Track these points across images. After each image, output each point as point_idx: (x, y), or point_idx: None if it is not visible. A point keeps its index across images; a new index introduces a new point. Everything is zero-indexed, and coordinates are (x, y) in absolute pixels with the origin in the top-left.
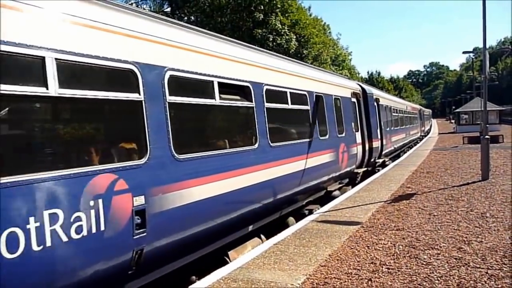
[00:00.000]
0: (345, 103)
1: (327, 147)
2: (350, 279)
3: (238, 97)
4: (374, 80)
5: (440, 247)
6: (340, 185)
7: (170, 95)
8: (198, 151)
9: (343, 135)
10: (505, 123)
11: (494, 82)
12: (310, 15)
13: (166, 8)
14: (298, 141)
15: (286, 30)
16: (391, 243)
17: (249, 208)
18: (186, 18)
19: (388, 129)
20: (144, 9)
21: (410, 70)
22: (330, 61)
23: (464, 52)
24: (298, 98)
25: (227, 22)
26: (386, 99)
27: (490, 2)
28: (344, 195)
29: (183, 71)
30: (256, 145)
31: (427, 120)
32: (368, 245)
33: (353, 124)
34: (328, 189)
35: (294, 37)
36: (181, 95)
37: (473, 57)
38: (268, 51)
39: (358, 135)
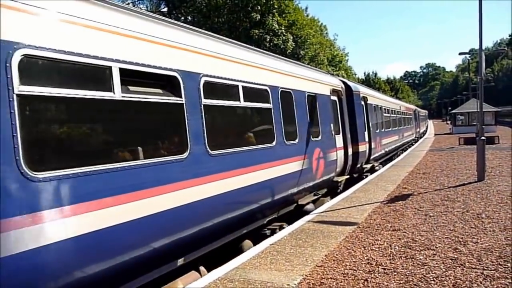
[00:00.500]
0: (322, 101)
1: (296, 153)
2: (346, 279)
3: (158, 91)
4: (370, 81)
5: (436, 247)
6: (316, 197)
7: (22, 84)
8: (80, 165)
9: (319, 138)
10: (501, 124)
11: (490, 83)
12: (307, 15)
13: (163, 8)
14: (254, 147)
15: (283, 30)
16: (387, 243)
17: (176, 237)
18: (183, 18)
19: (378, 131)
20: (141, 8)
21: (406, 71)
22: (326, 61)
23: (460, 53)
24: (256, 94)
25: (224, 22)
26: (376, 98)
27: (487, 3)
28: (341, 195)
29: (50, 49)
30: (186, 154)
31: (422, 121)
32: (365, 245)
33: (332, 125)
34: (299, 203)
35: (291, 37)
36: (46, 85)
37: (469, 58)
38: (211, 33)
39: (339, 139)
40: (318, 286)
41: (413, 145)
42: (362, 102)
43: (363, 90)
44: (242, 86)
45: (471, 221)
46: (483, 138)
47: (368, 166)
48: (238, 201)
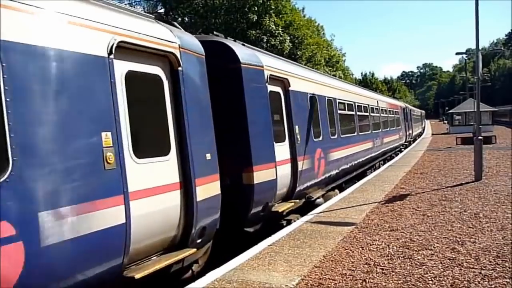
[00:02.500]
0: (51, 71)
1: None
2: (345, 280)
3: None
4: (368, 81)
5: (434, 247)
6: None
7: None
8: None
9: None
10: (498, 124)
11: (487, 83)
12: (304, 16)
13: (160, 9)
14: None
15: (280, 31)
16: (385, 243)
17: None
18: (180, 19)
19: (320, 138)
20: (138, 9)
21: (403, 71)
22: (324, 62)
23: (457, 53)
24: None
25: (221, 23)
26: (317, 83)
27: (483, 3)
28: (338, 196)
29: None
30: None
31: (416, 122)
32: (362, 246)
33: (103, 138)
34: None
35: (288, 38)
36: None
37: (466, 58)
38: None
39: (158, 168)
40: (317, 287)
41: (402, 151)
42: (272, 88)
43: (273, 63)
44: None
45: (469, 220)
46: (480, 137)
47: (289, 205)
48: None
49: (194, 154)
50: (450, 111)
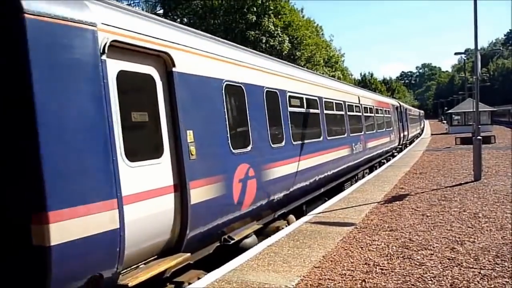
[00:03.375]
0: None
1: None
2: (344, 280)
3: None
4: (367, 81)
5: (433, 247)
6: None
7: None
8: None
9: None
10: (497, 123)
11: (486, 83)
12: (303, 16)
13: (159, 10)
14: None
15: (279, 31)
16: (384, 243)
17: None
18: (178, 20)
19: (247, 149)
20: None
21: (402, 71)
22: (323, 62)
23: (456, 53)
24: None
25: (220, 24)
26: (239, 65)
27: (482, 3)
28: (338, 196)
29: None
30: None
31: (414, 123)
32: (362, 246)
33: None
34: None
35: (287, 38)
36: None
37: (465, 58)
38: None
39: None
40: (316, 287)
41: (394, 156)
42: (126, 65)
43: (130, 23)
44: None
45: (468, 220)
46: (479, 137)
47: (158, 270)
48: None
49: None
50: (449, 111)
